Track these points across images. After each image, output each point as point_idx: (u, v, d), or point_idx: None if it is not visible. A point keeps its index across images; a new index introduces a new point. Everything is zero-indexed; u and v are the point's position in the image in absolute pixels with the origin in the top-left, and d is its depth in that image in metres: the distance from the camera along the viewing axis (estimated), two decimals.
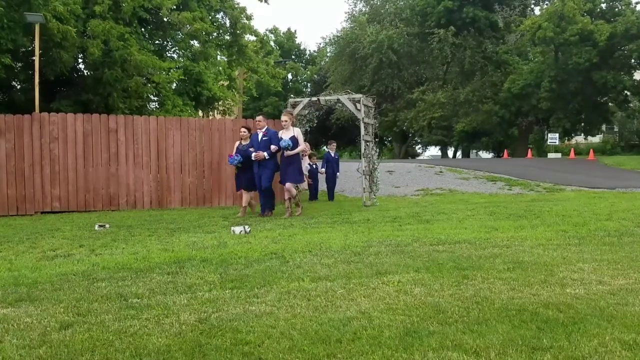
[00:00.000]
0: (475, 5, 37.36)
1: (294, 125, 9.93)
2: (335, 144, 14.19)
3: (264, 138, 9.46)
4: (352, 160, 13.47)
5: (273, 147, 9.29)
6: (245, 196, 9.88)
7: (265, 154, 9.27)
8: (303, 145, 9.54)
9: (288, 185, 9.39)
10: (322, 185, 13.28)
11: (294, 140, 9.36)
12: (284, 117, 9.66)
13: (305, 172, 13.21)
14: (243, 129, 10.15)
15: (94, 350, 2.88)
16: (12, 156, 10.98)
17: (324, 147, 53.14)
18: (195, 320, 3.35)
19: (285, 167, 9.46)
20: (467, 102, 37.91)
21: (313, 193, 13.20)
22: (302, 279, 4.38)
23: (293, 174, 9.48)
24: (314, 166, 13.23)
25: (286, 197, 9.51)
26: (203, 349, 2.88)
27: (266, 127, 9.65)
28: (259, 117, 9.71)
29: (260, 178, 9.41)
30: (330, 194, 13.00)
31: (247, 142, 9.79)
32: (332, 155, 13.28)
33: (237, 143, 10.12)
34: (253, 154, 9.33)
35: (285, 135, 9.36)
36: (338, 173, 13.24)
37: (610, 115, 37.76)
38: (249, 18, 22.45)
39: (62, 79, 18.14)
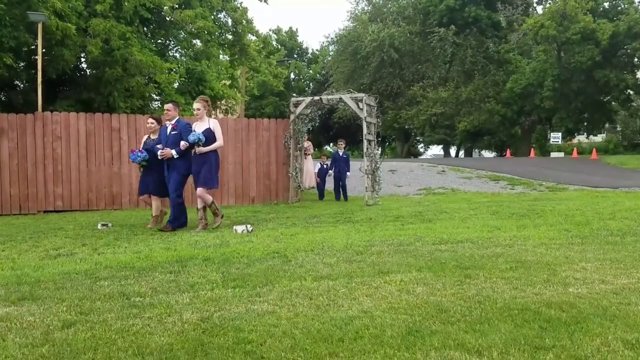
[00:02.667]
0: (477, 5, 37.33)
1: (210, 115, 8.21)
2: (343, 143, 13.65)
3: (172, 132, 7.68)
4: (355, 159, 13.49)
5: (183, 144, 7.51)
6: (156, 202, 8.34)
7: (174, 152, 7.52)
8: (220, 141, 7.75)
9: (200, 191, 7.66)
10: (329, 186, 13.22)
11: (209, 134, 7.61)
12: (196, 105, 7.78)
13: (315, 171, 13.23)
14: (150, 120, 8.45)
15: (96, 349, 2.88)
16: (15, 155, 11.02)
17: (326, 147, 53.24)
18: (197, 319, 3.36)
19: (197, 168, 7.67)
20: (469, 101, 37.90)
21: (319, 193, 13.15)
22: (304, 278, 4.38)
23: (206, 177, 7.65)
24: (325, 166, 13.17)
25: (199, 205, 7.76)
26: (205, 347, 2.88)
27: (177, 118, 7.86)
28: (168, 106, 7.88)
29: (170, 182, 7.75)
30: (338, 194, 12.79)
31: (157, 136, 8.14)
32: (340, 154, 13.16)
33: (145, 137, 8.56)
34: (159, 152, 7.64)
35: (198, 127, 7.66)
36: (348, 173, 12.87)
37: (613, 114, 37.69)
38: (250, 22, 22.46)
39: (64, 78, 18.17)
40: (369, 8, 44.04)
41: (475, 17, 36.86)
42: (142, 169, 8.31)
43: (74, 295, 3.93)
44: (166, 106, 7.94)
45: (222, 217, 8.07)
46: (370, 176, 11.60)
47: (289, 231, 7.27)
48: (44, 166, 11.14)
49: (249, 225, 7.41)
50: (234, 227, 7.49)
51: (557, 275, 4.39)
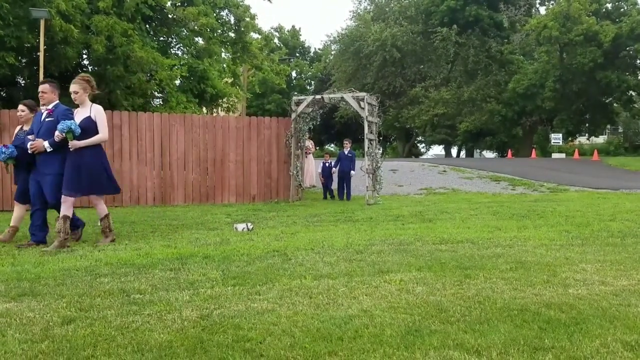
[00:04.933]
0: (479, 5, 37.30)
1: (94, 100, 6.35)
2: (349, 143, 13.69)
3: (47, 119, 6.05)
4: (356, 158, 13.51)
5: (57, 134, 5.85)
6: (18, 211, 6.57)
7: (46, 143, 5.91)
8: (103, 134, 6.07)
9: (93, 198, 6.25)
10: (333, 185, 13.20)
11: (88, 124, 5.98)
12: (73, 87, 6.04)
13: (319, 170, 13.23)
14: (21, 108, 6.63)
15: (96, 345, 2.89)
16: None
17: (327, 146, 53.23)
18: (197, 316, 3.36)
19: (69, 168, 5.96)
20: (470, 100, 37.90)
21: (324, 192, 13.13)
22: (304, 276, 4.39)
23: (92, 180, 6.02)
24: (327, 164, 13.14)
25: (61, 213, 5.96)
26: (205, 345, 2.89)
27: (55, 102, 6.13)
28: (44, 87, 6.14)
29: (38, 184, 6.10)
30: (341, 193, 12.72)
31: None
32: (346, 153, 13.13)
33: (17, 129, 6.77)
34: (29, 144, 6.03)
35: (78, 115, 6.05)
36: (353, 171, 12.80)
37: (615, 115, 37.68)
38: (253, 18, 22.49)
39: (66, 74, 18.18)
40: (372, 7, 44.06)
41: (476, 16, 36.86)
42: (8, 170, 6.60)
43: (73, 292, 3.94)
44: (41, 87, 6.15)
45: (112, 234, 6.37)
46: (371, 175, 11.61)
47: (290, 230, 7.27)
48: None
49: (249, 224, 7.41)
50: (235, 225, 7.49)
51: (557, 276, 4.39)
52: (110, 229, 6.38)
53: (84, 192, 6.14)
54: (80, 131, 5.87)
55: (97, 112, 6.09)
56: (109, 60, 17.00)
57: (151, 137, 11.87)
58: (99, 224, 6.39)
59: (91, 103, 6.16)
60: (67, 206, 5.96)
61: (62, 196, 5.95)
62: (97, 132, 6.04)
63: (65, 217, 5.95)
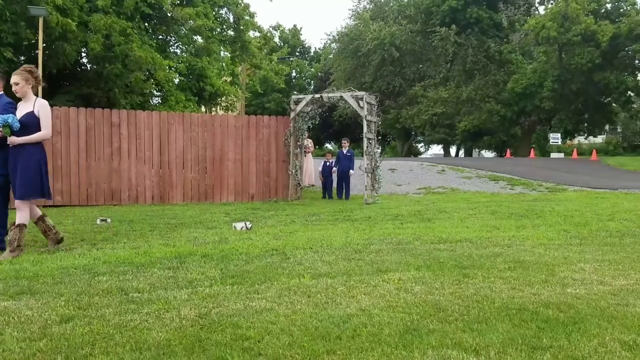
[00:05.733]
0: (479, 5, 37.32)
1: (37, 93, 5.85)
2: (347, 142, 13.66)
3: None
4: (355, 157, 13.49)
5: None
6: None
7: None
8: (46, 131, 5.54)
9: (18, 203, 5.43)
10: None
11: (30, 120, 5.43)
12: (14, 78, 5.47)
13: (319, 168, 13.23)
14: None
15: (94, 343, 2.88)
16: None
17: (327, 145, 53.24)
18: (195, 315, 3.36)
19: (13, 169, 5.45)
20: (469, 100, 37.91)
21: (323, 191, 13.12)
22: (302, 275, 4.39)
23: (24, 183, 5.39)
24: (328, 163, 13.12)
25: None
26: (203, 343, 2.89)
27: None
28: None
29: None
30: (340, 192, 12.71)
31: None
32: (344, 152, 13.12)
33: None
34: None
35: (20, 109, 5.51)
36: (352, 171, 12.77)
37: (614, 115, 37.70)
38: (252, 16, 22.47)
39: (64, 72, 18.17)
40: (371, 6, 44.04)
41: (477, 17, 36.90)
42: None
43: (72, 290, 3.93)
44: None
45: (19, 251, 5.39)
46: (370, 175, 11.61)
47: (288, 229, 7.27)
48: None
49: (248, 222, 7.41)
50: (233, 224, 7.50)
51: (555, 275, 4.40)
52: (19, 244, 5.37)
53: (25, 196, 5.43)
54: (19, 126, 5.31)
55: (42, 107, 5.54)
56: (107, 58, 16.97)
57: (150, 136, 11.86)
58: (11, 231, 5.43)
59: (35, 97, 5.64)
60: (21, 212, 5.43)
61: (16, 201, 5.42)
62: (40, 129, 5.51)
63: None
